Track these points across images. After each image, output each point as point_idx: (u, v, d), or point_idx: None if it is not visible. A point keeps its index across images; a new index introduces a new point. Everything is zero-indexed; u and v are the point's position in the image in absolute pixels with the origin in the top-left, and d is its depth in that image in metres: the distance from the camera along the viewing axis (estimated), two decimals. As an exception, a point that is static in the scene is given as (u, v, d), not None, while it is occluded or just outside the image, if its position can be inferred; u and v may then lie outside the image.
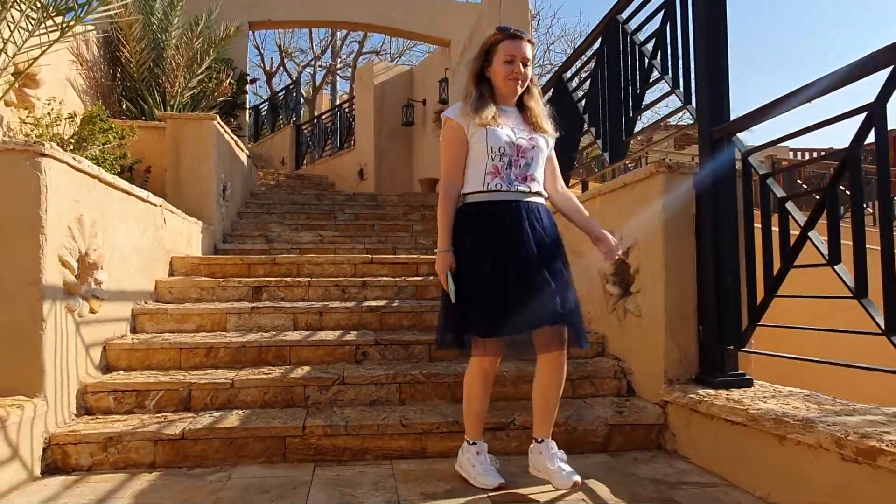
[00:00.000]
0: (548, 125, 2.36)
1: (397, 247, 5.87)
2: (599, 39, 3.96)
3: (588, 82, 4.24)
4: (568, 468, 2.22)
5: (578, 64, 5.09)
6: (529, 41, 2.29)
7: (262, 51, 17.02)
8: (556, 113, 2.46)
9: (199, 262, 4.44)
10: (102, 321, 3.13)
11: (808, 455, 1.97)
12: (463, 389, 2.39)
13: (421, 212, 7.35)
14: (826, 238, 2.12)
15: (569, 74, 4.82)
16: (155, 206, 4.00)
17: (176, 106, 6.48)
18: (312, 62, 17.21)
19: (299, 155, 13.81)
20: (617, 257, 2.42)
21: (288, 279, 4.17)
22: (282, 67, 17.24)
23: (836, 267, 2.08)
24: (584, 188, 4.40)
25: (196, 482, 2.39)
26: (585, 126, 4.21)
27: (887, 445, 1.68)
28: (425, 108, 10.87)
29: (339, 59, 16.97)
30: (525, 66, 2.27)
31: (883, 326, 1.88)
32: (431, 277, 4.35)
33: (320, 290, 4.10)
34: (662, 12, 3.16)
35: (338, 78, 17.56)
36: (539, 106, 2.36)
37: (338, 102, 17.28)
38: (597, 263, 3.28)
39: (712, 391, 2.60)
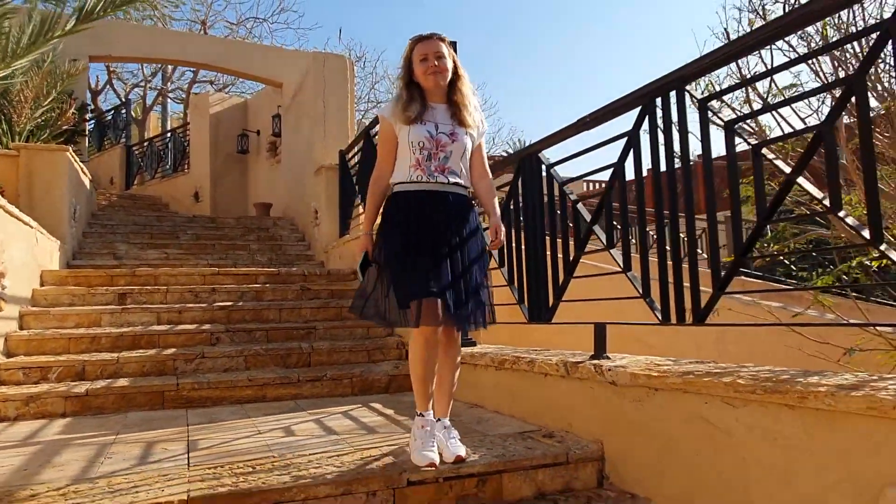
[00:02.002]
0: (470, 120, 2.50)
1: (237, 263, 6.97)
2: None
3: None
4: (458, 443, 2.42)
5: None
6: (440, 39, 2.47)
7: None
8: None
9: (66, 275, 5.30)
10: (4, 318, 4.05)
11: (482, 371, 3.60)
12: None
13: (257, 233, 8.47)
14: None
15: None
16: (31, 227, 4.87)
17: (23, 134, 7.07)
18: (142, 83, 17.36)
19: (129, 175, 14.08)
20: (498, 243, 2.51)
21: (148, 287, 5.21)
22: (109, 86, 17.17)
23: (501, 269, 3.75)
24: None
25: (102, 420, 3.50)
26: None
27: (508, 357, 3.33)
28: (259, 137, 11.92)
29: (170, 83, 17.31)
30: (439, 59, 2.44)
31: (517, 298, 3.55)
32: (268, 284, 5.62)
33: (177, 296, 5.20)
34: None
35: (169, 100, 17.88)
36: (464, 101, 2.50)
37: (169, 124, 17.57)
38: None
39: (451, 348, 4.19)
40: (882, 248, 1.77)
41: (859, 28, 3.49)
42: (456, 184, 2.48)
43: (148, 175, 13.78)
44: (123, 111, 15.04)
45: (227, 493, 2.08)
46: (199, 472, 2.31)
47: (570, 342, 4.02)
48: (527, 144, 3.40)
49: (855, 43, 3.51)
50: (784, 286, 6.35)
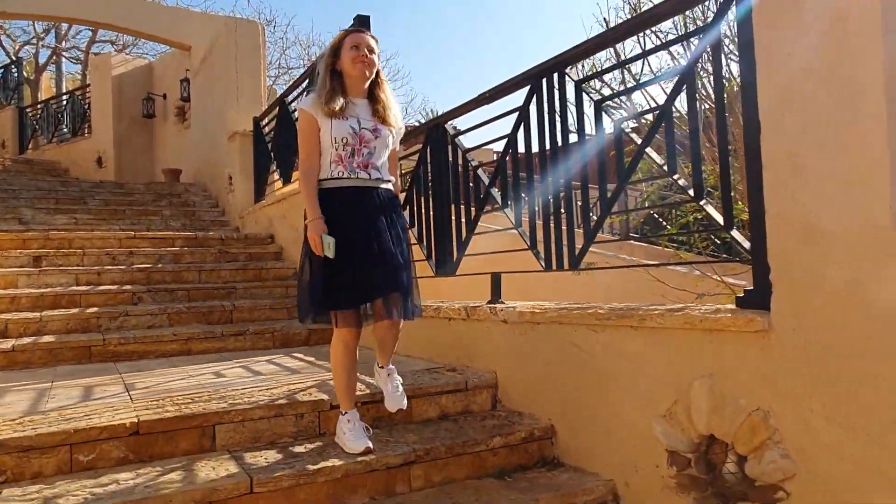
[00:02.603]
0: (393, 119, 2.53)
1: (150, 228, 6.99)
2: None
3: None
4: (401, 393, 2.62)
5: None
6: (372, 37, 2.50)
7: (-34, 21, 15.48)
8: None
9: (-25, 239, 5.24)
10: (-82, 279, 4.06)
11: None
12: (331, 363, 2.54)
13: (168, 199, 8.42)
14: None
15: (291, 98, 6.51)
16: (-63, 190, 4.80)
17: (-88, 93, 6.73)
18: (34, 41, 16.28)
19: (23, 138, 13.37)
20: None
21: (63, 250, 5.25)
22: (-6, 43, 16.01)
23: (411, 229, 4.14)
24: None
25: (32, 373, 3.65)
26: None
27: (444, 308, 3.74)
28: (166, 101, 11.65)
29: (65, 42, 16.32)
30: (370, 52, 2.46)
31: (425, 254, 3.96)
32: (186, 248, 5.77)
33: (94, 258, 5.27)
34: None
35: (64, 60, 16.87)
36: (387, 99, 2.53)
37: (65, 86, 16.62)
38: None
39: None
40: (702, 203, 2.30)
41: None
42: (379, 179, 2.49)
43: (44, 139, 13.14)
44: (14, 70, 14.15)
45: (172, 416, 2.39)
46: (143, 403, 2.60)
47: (472, 294, 4.48)
48: (437, 114, 3.78)
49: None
50: (637, 239, 7.07)
